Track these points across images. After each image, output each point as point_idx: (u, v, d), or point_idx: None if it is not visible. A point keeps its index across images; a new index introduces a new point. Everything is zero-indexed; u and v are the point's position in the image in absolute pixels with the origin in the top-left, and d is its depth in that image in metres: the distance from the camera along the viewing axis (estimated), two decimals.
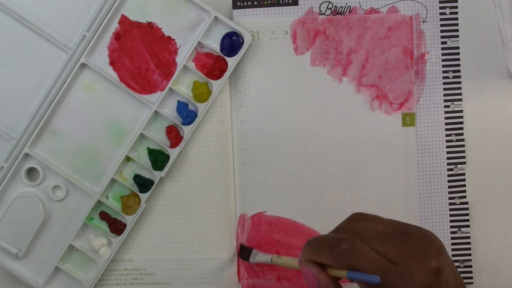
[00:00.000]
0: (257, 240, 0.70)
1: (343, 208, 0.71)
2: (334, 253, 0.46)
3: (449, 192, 0.71)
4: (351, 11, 0.70)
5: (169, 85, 0.68)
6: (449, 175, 0.71)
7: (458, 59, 0.71)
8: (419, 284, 0.43)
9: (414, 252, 0.45)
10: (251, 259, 0.69)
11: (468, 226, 0.71)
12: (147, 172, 0.69)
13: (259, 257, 0.68)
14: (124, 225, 0.69)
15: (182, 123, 0.68)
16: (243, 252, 0.70)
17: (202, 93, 0.68)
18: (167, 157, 0.68)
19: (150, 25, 0.68)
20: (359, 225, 0.48)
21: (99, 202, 0.69)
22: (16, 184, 0.69)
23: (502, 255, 0.71)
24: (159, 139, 0.69)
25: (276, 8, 0.70)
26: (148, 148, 0.69)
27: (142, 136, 0.69)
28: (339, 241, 0.46)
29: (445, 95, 0.71)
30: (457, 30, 0.70)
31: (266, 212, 0.71)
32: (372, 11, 0.70)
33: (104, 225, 0.70)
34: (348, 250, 0.45)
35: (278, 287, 0.71)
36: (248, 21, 0.70)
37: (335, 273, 0.47)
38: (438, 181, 0.71)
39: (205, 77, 0.68)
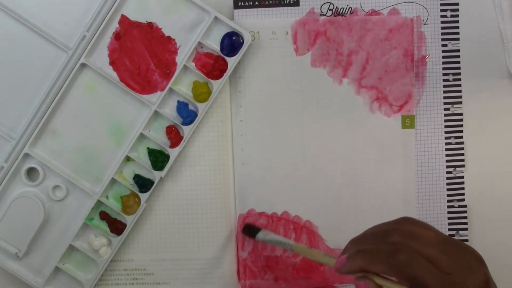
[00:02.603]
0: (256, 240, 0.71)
1: (342, 209, 0.71)
2: (392, 264, 0.46)
3: (448, 195, 0.71)
4: (352, 12, 0.70)
5: (169, 85, 0.68)
6: (448, 178, 0.71)
7: (459, 62, 0.71)
8: None
9: (467, 264, 0.46)
10: (260, 236, 0.67)
11: (466, 229, 0.71)
12: (147, 172, 0.69)
13: (271, 237, 0.67)
14: (124, 225, 0.69)
15: (182, 123, 0.68)
16: (249, 229, 0.69)
17: (202, 93, 0.68)
18: (167, 157, 0.68)
19: (150, 25, 0.68)
20: (412, 228, 0.48)
21: (99, 202, 0.69)
22: (16, 184, 0.69)
23: (500, 258, 0.71)
24: (159, 139, 0.69)
25: (277, 8, 0.70)
26: (148, 148, 0.69)
27: (142, 136, 0.69)
28: (397, 252, 0.46)
29: (445, 97, 0.71)
30: (457, 33, 0.70)
31: (264, 212, 0.71)
32: (373, 12, 0.70)
33: (104, 225, 0.70)
34: (407, 261, 0.46)
35: (278, 287, 0.71)
36: (249, 21, 0.70)
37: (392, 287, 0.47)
38: (437, 183, 0.71)
39: (205, 77, 0.68)
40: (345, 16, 0.69)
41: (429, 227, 0.49)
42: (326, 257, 0.57)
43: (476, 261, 0.47)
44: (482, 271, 0.47)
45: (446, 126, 0.71)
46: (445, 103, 0.71)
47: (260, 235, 0.67)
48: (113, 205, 0.69)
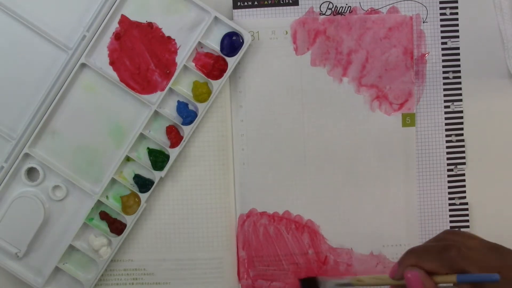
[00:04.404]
0: (256, 240, 0.70)
1: (343, 208, 0.71)
2: (444, 259, 0.49)
3: (449, 193, 0.71)
4: (352, 11, 0.70)
5: (169, 85, 0.68)
6: (449, 176, 0.71)
7: (459, 60, 0.71)
8: None
9: None
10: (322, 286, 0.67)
11: (468, 226, 0.71)
12: (147, 172, 0.69)
13: (331, 284, 0.67)
14: (124, 225, 0.69)
15: (182, 123, 0.68)
16: (307, 284, 0.69)
17: (202, 93, 0.68)
18: (167, 157, 0.68)
19: (150, 25, 0.68)
20: (457, 238, 0.51)
21: (99, 202, 0.69)
22: (16, 184, 0.69)
23: None
24: (159, 139, 0.69)
25: (277, 8, 0.70)
26: (148, 148, 0.69)
27: (142, 136, 0.69)
28: (448, 248, 0.49)
29: (445, 95, 0.71)
30: (457, 31, 0.70)
31: (266, 211, 0.71)
32: (373, 11, 0.70)
33: (104, 225, 0.70)
34: (458, 256, 0.48)
35: (278, 287, 0.71)
36: (248, 21, 0.70)
37: (442, 279, 0.49)
38: (438, 181, 0.71)
39: (205, 77, 0.68)
40: (344, 15, 0.70)
41: (473, 235, 0.52)
42: (380, 277, 0.57)
43: None
44: None
45: (446, 124, 0.71)
46: (445, 101, 0.71)
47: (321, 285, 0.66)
48: (113, 205, 0.69)
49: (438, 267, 0.49)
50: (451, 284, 0.49)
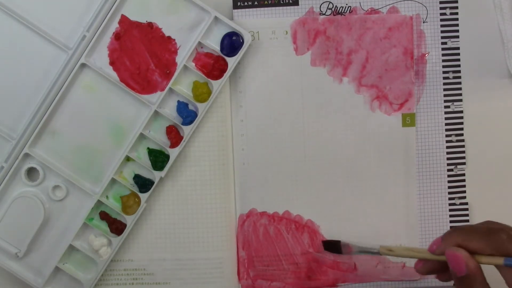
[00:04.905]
0: (256, 240, 0.70)
1: (343, 208, 0.71)
2: (492, 240, 0.48)
3: (449, 193, 0.71)
4: (352, 11, 0.70)
5: (169, 85, 0.68)
6: (449, 176, 0.71)
7: (459, 60, 0.71)
8: None
9: None
10: (345, 251, 0.67)
11: None
12: (147, 172, 0.69)
13: (354, 248, 0.66)
14: (124, 225, 0.69)
15: (182, 123, 0.68)
16: (330, 245, 0.69)
17: (202, 93, 0.68)
18: (167, 157, 0.68)
19: (150, 25, 0.68)
20: (503, 225, 0.50)
21: (99, 202, 0.69)
22: (16, 184, 0.69)
23: None
24: (159, 139, 0.69)
25: (277, 8, 0.70)
26: (148, 148, 0.69)
27: (142, 136, 0.69)
28: (497, 231, 0.48)
29: (445, 95, 0.71)
30: (457, 31, 0.70)
31: (266, 211, 0.71)
32: (373, 11, 0.70)
33: (104, 225, 0.70)
34: (508, 240, 0.48)
35: (278, 287, 0.71)
36: (248, 21, 0.70)
37: (486, 260, 0.49)
38: (438, 181, 0.71)
39: (205, 77, 0.68)
40: (344, 15, 0.70)
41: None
42: (415, 250, 0.57)
43: None
44: None
45: (446, 124, 0.71)
46: (445, 101, 0.71)
47: (344, 249, 0.67)
48: (113, 205, 0.69)
49: (484, 247, 0.48)
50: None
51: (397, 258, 0.71)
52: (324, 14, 0.70)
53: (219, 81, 0.68)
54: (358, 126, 0.70)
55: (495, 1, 0.71)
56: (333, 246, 0.69)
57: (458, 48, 0.70)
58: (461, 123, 0.71)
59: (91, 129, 0.69)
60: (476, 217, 0.71)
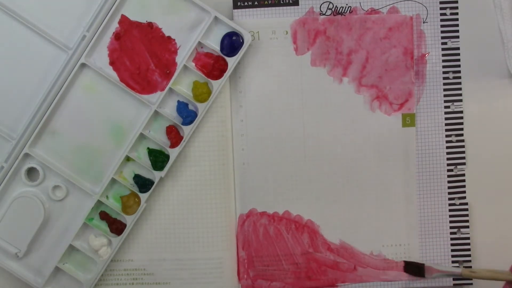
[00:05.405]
0: (256, 240, 0.70)
1: (343, 208, 0.71)
2: None
3: (449, 193, 0.71)
4: (352, 11, 0.70)
5: (169, 85, 0.68)
6: (449, 176, 0.71)
7: (459, 60, 0.71)
8: None
9: None
10: (428, 274, 0.68)
11: (467, 227, 0.71)
12: (147, 172, 0.69)
13: (437, 273, 0.68)
14: (124, 225, 0.69)
15: (182, 123, 0.68)
16: (412, 267, 0.70)
17: (202, 93, 0.68)
18: (167, 157, 0.68)
19: (150, 25, 0.68)
20: None
21: (99, 202, 0.69)
22: (16, 184, 0.69)
23: (501, 256, 0.71)
24: (159, 139, 0.69)
25: (277, 8, 0.70)
26: (148, 148, 0.69)
27: (142, 136, 0.69)
28: None
29: (445, 95, 0.71)
30: (457, 31, 0.70)
31: (266, 212, 0.71)
32: (373, 11, 0.70)
33: (104, 225, 0.70)
34: None
35: (278, 287, 0.71)
36: (248, 21, 0.70)
37: None
38: (438, 181, 0.71)
39: (205, 77, 0.68)
40: (344, 15, 0.70)
41: None
42: (498, 271, 0.56)
43: None
44: None
45: (446, 124, 0.71)
46: (445, 101, 0.71)
47: (427, 272, 0.68)
48: (113, 205, 0.69)
49: None
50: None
51: (397, 258, 0.71)
52: (324, 14, 0.70)
53: (219, 81, 0.68)
54: (358, 126, 0.70)
55: (495, 1, 0.71)
56: (415, 269, 0.69)
57: (458, 48, 0.71)
58: (461, 123, 0.71)
59: (91, 129, 0.69)
60: (476, 217, 0.71)
